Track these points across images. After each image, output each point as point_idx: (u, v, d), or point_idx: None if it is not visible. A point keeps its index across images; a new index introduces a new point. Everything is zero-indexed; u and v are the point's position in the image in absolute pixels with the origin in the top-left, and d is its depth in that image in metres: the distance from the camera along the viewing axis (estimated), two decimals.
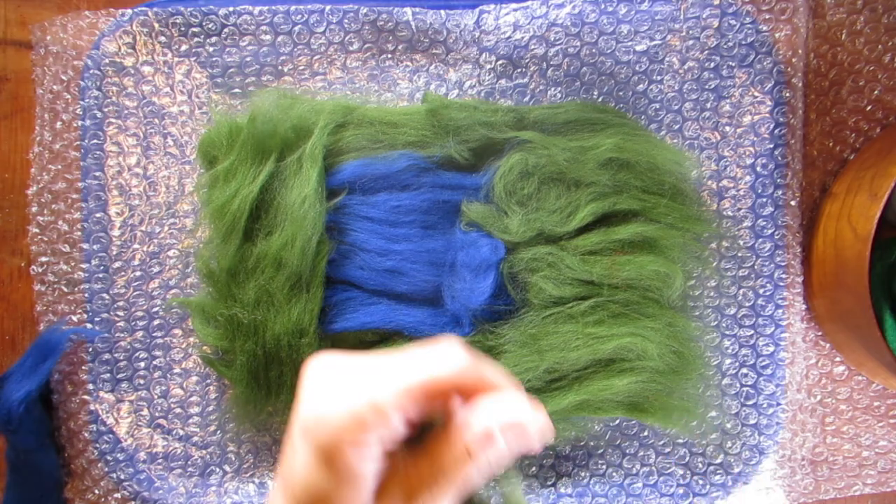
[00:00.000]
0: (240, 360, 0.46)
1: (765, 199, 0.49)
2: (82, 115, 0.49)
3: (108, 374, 0.50)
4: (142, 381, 0.50)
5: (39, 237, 0.50)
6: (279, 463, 0.30)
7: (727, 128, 0.49)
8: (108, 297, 0.50)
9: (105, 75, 0.49)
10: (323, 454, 0.28)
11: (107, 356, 0.50)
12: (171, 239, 0.50)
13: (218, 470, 0.50)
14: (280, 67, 0.50)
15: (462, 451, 0.28)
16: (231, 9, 0.49)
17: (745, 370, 0.49)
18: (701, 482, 0.50)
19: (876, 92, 0.50)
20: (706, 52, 0.49)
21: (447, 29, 0.49)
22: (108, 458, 0.50)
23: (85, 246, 0.50)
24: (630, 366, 0.45)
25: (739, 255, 0.49)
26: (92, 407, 0.50)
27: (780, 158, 0.49)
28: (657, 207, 0.46)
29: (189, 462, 0.50)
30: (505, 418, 0.28)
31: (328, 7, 0.49)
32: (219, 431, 0.50)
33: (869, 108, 0.50)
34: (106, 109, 0.50)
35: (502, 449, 0.28)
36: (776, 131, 0.49)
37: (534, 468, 0.50)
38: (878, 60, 0.50)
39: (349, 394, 0.29)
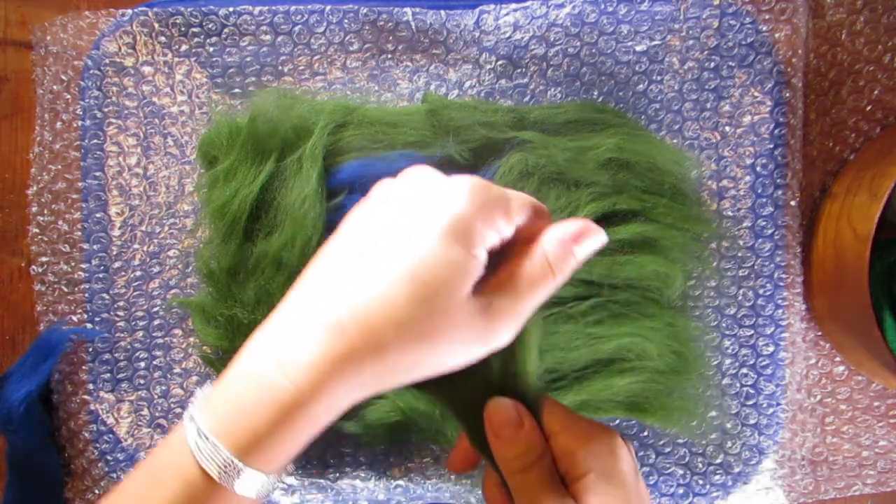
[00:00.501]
0: None
1: (765, 200, 0.49)
2: (82, 115, 0.49)
3: (109, 374, 0.50)
4: (142, 381, 0.50)
5: (39, 237, 0.50)
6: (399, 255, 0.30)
7: (727, 128, 0.49)
8: (108, 297, 0.50)
9: (105, 75, 0.49)
10: (456, 231, 0.29)
11: (107, 356, 0.50)
12: (171, 239, 0.50)
13: None
14: (280, 67, 0.50)
15: (542, 260, 0.31)
16: (231, 9, 0.49)
17: (744, 370, 0.49)
18: (701, 482, 0.50)
19: (876, 92, 0.50)
20: (706, 52, 0.49)
21: (447, 29, 0.49)
22: (109, 458, 0.50)
23: (85, 246, 0.50)
24: (630, 366, 0.45)
25: (739, 255, 0.49)
26: (92, 407, 0.50)
27: (779, 158, 0.49)
28: (657, 207, 0.46)
29: None
30: (570, 228, 0.32)
31: (328, 7, 0.49)
32: None
33: (869, 108, 0.50)
34: (106, 109, 0.50)
35: (578, 256, 0.32)
36: (776, 131, 0.49)
37: None
38: (877, 60, 0.50)
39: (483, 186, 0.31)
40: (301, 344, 0.29)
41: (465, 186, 0.31)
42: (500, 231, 0.31)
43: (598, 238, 0.33)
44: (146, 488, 0.30)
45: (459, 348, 0.30)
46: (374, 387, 0.29)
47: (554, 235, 0.32)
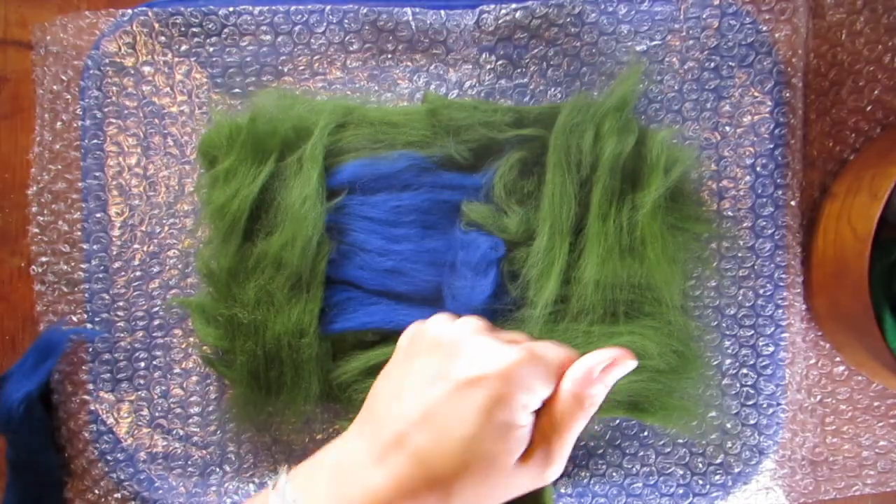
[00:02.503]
0: (240, 360, 0.46)
1: (765, 200, 0.49)
2: (82, 115, 0.49)
3: (108, 374, 0.50)
4: (142, 381, 0.50)
5: (39, 237, 0.50)
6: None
7: (727, 128, 0.49)
8: (108, 297, 0.50)
9: (105, 75, 0.49)
10: (495, 402, 0.34)
11: (107, 356, 0.50)
12: (171, 239, 0.50)
13: (218, 470, 0.50)
14: (280, 67, 0.50)
15: (569, 399, 0.35)
16: (231, 9, 0.49)
17: (745, 370, 0.49)
18: (701, 482, 0.50)
19: (876, 92, 0.50)
20: (706, 52, 0.49)
21: (447, 29, 0.49)
22: (108, 458, 0.50)
23: (85, 246, 0.50)
24: None
25: (739, 255, 0.49)
26: (92, 407, 0.50)
27: (780, 158, 0.49)
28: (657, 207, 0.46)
29: (189, 462, 0.50)
30: (592, 362, 0.36)
31: (328, 7, 0.49)
32: (219, 431, 0.50)
33: (869, 108, 0.50)
34: (106, 109, 0.50)
35: (601, 384, 0.35)
36: (776, 131, 0.49)
37: None
38: (878, 60, 0.50)
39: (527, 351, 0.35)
40: (376, 474, 0.34)
41: (505, 366, 0.34)
42: (540, 396, 0.35)
43: (626, 366, 0.36)
44: None
45: (515, 491, 0.35)
46: None
47: (577, 373, 0.36)
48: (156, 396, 0.50)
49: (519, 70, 0.49)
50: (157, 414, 0.50)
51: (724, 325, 0.50)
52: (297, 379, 0.46)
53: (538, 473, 0.35)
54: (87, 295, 0.50)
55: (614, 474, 0.50)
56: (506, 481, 0.34)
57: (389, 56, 0.50)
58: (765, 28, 0.49)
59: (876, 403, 0.51)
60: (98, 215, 0.50)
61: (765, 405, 0.49)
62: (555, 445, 0.35)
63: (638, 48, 0.49)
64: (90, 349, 0.50)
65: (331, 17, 0.49)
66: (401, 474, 0.33)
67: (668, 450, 0.50)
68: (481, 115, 0.46)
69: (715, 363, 0.50)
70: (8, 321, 0.52)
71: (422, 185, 0.47)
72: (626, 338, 0.44)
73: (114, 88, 0.50)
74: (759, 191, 0.49)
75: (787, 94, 0.49)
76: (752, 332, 0.49)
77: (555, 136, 0.45)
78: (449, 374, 0.35)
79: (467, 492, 0.33)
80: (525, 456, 0.35)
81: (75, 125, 0.50)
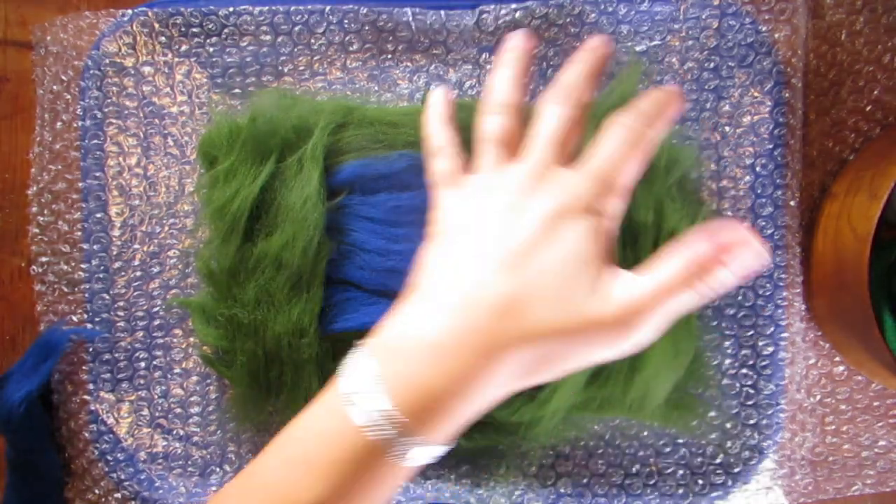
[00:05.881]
0: (240, 360, 0.46)
1: (764, 200, 0.49)
2: (82, 115, 0.50)
3: (109, 374, 0.50)
4: (142, 381, 0.50)
5: (40, 237, 0.50)
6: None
7: (727, 128, 0.49)
8: (108, 297, 0.50)
9: (105, 76, 0.49)
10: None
11: (107, 356, 0.50)
12: (172, 239, 0.50)
13: (218, 470, 0.50)
14: (280, 67, 0.50)
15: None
16: (231, 9, 0.49)
17: (744, 370, 0.49)
18: (701, 482, 0.50)
19: (875, 92, 0.50)
20: (706, 52, 0.49)
21: (447, 29, 0.49)
22: (109, 458, 0.50)
23: (85, 246, 0.50)
24: (629, 364, 0.45)
25: None
26: (92, 407, 0.50)
27: (779, 159, 0.49)
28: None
29: (189, 462, 0.50)
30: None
31: (328, 7, 0.49)
32: (219, 431, 0.50)
33: (868, 108, 0.50)
34: (106, 110, 0.50)
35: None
36: (776, 132, 0.49)
37: (534, 468, 0.50)
38: (877, 61, 0.50)
39: None
40: (465, 329, 0.32)
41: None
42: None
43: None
44: (312, 451, 0.32)
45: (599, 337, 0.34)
46: (531, 373, 0.33)
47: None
48: (156, 396, 0.50)
49: None
50: (157, 414, 0.50)
51: (723, 325, 0.50)
52: (298, 379, 0.46)
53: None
54: (87, 295, 0.50)
55: (614, 474, 0.50)
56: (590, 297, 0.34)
57: (389, 56, 0.50)
58: (764, 28, 0.49)
59: (876, 403, 0.51)
60: (98, 215, 0.50)
61: (764, 405, 0.49)
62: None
63: (638, 48, 0.49)
64: (90, 349, 0.50)
65: (331, 17, 0.49)
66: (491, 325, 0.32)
67: (668, 450, 0.50)
68: None
69: (714, 363, 0.50)
70: (8, 321, 0.52)
71: (422, 185, 0.47)
72: None
73: (114, 89, 0.50)
74: (759, 191, 0.49)
75: (787, 94, 0.49)
76: (752, 332, 0.49)
77: None
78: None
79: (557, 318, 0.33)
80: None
81: (75, 125, 0.50)
